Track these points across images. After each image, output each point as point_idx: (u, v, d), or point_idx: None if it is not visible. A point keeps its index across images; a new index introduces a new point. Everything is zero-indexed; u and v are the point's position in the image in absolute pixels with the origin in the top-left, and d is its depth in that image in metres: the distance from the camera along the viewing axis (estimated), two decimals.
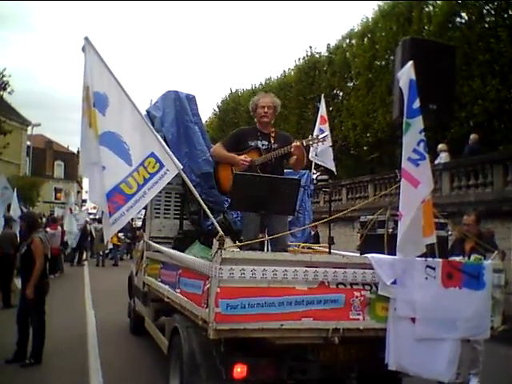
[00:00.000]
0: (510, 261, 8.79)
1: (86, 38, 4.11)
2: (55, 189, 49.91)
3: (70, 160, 52.63)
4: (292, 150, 4.73)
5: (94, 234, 20.77)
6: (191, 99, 6.66)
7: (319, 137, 4.91)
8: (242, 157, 4.84)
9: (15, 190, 13.59)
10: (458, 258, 4.76)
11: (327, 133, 8.60)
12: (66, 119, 75.78)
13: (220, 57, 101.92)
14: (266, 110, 5.01)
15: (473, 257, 5.13)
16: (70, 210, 19.11)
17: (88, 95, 4.16)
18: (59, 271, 15.51)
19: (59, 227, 15.91)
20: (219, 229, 3.55)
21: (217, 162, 5.27)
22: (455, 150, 14.45)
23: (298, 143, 4.72)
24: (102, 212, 4.51)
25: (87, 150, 4.28)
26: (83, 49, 4.16)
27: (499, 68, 14.40)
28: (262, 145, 4.96)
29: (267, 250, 4.50)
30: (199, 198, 4.07)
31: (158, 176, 4.00)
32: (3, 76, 22.49)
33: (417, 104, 3.53)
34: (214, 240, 3.40)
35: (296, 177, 5.69)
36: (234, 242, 4.96)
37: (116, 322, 8.53)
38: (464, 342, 3.94)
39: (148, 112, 6.51)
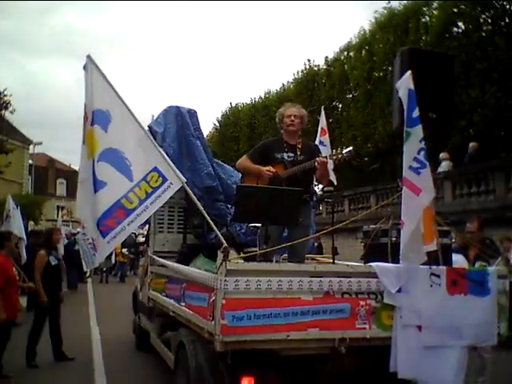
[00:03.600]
0: None
1: (89, 56, 4.17)
2: (57, 207, 49.97)
3: (72, 178, 52.69)
4: (316, 164, 4.71)
5: None
6: (192, 114, 6.71)
7: (344, 151, 4.90)
8: (267, 167, 4.83)
9: (18, 208, 13.60)
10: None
11: (324, 143, 8.66)
12: (67, 137, 76.11)
13: (219, 71, 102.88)
14: (292, 118, 5.01)
15: (477, 264, 5.13)
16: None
17: (86, 113, 4.22)
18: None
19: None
20: (223, 241, 3.56)
21: (243, 175, 5.28)
22: (456, 158, 14.49)
23: (323, 159, 4.73)
24: None
25: (80, 167, 4.37)
26: (85, 67, 4.21)
27: (497, 76, 14.49)
28: (288, 157, 4.93)
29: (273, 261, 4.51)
30: (203, 211, 4.09)
31: (160, 190, 4.03)
32: (5, 96, 22.67)
33: (416, 113, 3.57)
34: (219, 252, 3.41)
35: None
36: (239, 254, 4.96)
37: (121, 339, 8.50)
38: (471, 350, 3.92)
39: (150, 127, 6.55)
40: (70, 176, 53.52)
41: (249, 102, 30.15)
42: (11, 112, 23.62)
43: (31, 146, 39.29)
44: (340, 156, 4.88)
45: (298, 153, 4.96)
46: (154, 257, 6.26)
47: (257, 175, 4.92)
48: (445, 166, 14.18)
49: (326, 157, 4.84)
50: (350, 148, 5.03)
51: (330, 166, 8.34)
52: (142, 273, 7.48)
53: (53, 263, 6.84)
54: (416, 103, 3.58)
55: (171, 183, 4.04)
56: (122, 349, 7.95)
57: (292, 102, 25.22)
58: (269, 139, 5.42)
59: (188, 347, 4.08)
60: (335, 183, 7.90)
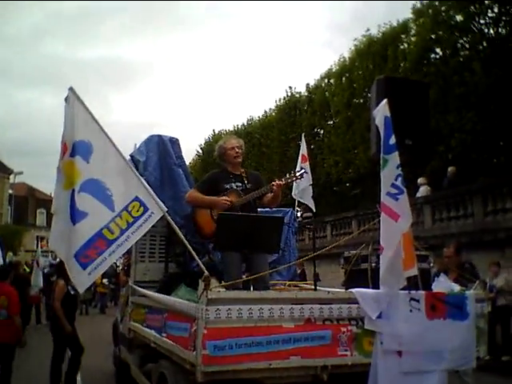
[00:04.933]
0: None
1: (71, 89, 4.18)
2: (37, 237, 49.16)
3: None
4: (274, 187, 4.79)
5: None
6: (174, 142, 6.73)
7: (297, 173, 5.00)
8: (223, 198, 4.89)
9: None
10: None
11: (306, 170, 8.78)
12: (49, 165, 75.11)
13: (202, 99, 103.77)
14: (236, 150, 5.12)
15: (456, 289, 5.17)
16: (37, 263, 15.63)
17: (65, 144, 4.22)
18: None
19: None
20: (204, 269, 3.56)
21: (194, 208, 5.30)
22: (435, 183, 14.67)
23: (279, 182, 4.80)
24: None
25: (54, 197, 4.35)
26: (66, 99, 4.22)
27: (474, 100, 14.76)
28: (237, 186, 5.02)
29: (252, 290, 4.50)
30: (184, 240, 4.08)
31: (142, 219, 4.01)
32: None
33: (393, 140, 3.65)
34: (200, 281, 3.40)
35: (280, 215, 5.74)
36: (220, 283, 4.94)
37: (102, 372, 8.32)
38: (452, 374, 3.93)
39: (132, 156, 6.55)
40: (51, 205, 52.85)
41: (232, 129, 30.40)
42: None
43: (12, 176, 38.89)
44: (294, 178, 5.00)
45: (246, 181, 5.06)
46: (135, 287, 6.19)
47: (212, 206, 4.96)
48: (423, 191, 14.35)
49: (281, 179, 4.90)
50: (303, 170, 5.19)
51: (310, 193, 8.44)
52: (122, 303, 7.38)
53: (72, 292, 7.04)
54: (392, 130, 3.66)
55: (152, 212, 4.03)
56: (102, 382, 7.78)
57: (274, 128, 25.54)
58: (213, 171, 5.51)
59: (169, 379, 4.02)
60: (314, 209, 7.96)
